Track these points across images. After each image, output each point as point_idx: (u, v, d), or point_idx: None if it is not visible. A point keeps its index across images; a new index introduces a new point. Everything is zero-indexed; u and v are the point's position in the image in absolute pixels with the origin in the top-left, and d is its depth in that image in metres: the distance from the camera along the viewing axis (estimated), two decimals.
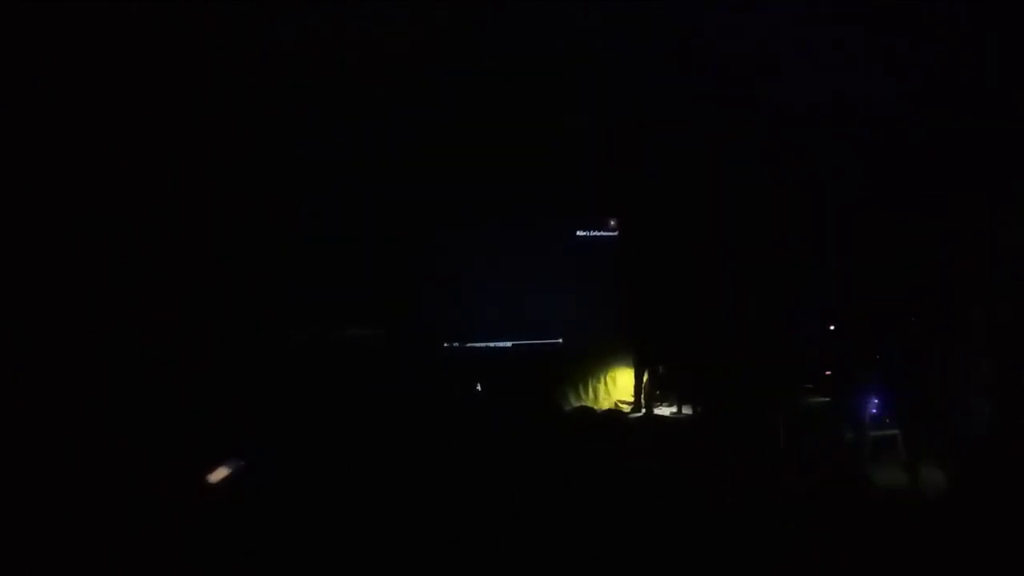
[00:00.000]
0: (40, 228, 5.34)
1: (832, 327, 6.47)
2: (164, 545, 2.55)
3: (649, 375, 8.46)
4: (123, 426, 4.23)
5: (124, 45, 5.04)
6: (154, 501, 2.83)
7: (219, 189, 6.60)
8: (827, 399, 6.22)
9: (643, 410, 8.34)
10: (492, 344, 8.29)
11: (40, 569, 2.55)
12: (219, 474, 3.00)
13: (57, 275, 5.37)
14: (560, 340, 8.59)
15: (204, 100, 6.16)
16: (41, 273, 5.28)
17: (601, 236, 8.95)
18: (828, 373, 6.29)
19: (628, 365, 8.76)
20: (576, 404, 7.99)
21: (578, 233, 8.86)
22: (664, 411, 8.36)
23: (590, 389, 8.63)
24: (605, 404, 8.41)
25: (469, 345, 8.18)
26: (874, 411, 6.07)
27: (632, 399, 8.63)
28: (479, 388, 5.59)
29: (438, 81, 7.59)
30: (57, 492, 3.04)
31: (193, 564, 2.48)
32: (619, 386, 8.83)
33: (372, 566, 2.36)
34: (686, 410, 8.09)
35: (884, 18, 4.95)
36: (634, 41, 6.19)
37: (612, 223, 8.99)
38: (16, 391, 4.45)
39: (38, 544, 2.62)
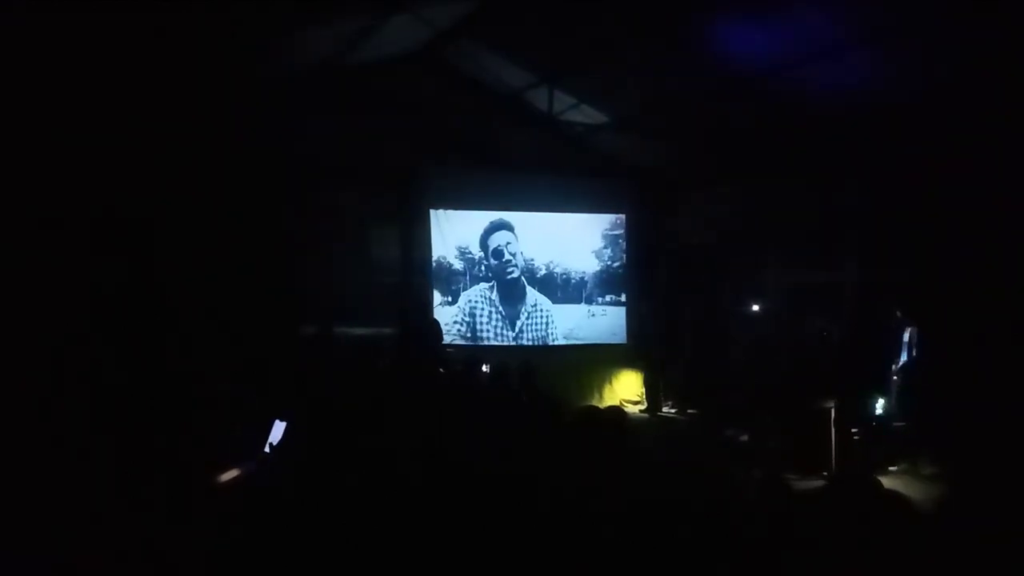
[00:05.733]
0: (48, 228, 5.37)
1: (839, 330, 6.46)
2: (174, 544, 2.57)
3: (656, 376, 8.48)
4: (133, 427, 4.25)
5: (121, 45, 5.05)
6: (164, 501, 2.85)
7: (222, 189, 6.62)
8: (833, 401, 6.22)
9: (651, 409, 8.36)
10: (496, 343, 8.28)
11: (51, 568, 2.57)
12: (229, 474, 3.03)
13: (66, 275, 5.39)
14: (566, 340, 8.62)
15: (201, 101, 6.18)
16: (49, 273, 5.30)
17: (607, 234, 8.93)
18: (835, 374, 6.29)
19: (632, 366, 8.79)
20: (581, 403, 8.00)
21: (584, 231, 8.82)
22: (670, 412, 8.39)
23: (594, 388, 8.65)
24: (609, 404, 8.42)
25: (472, 343, 8.20)
26: (879, 411, 6.06)
27: (636, 399, 8.67)
28: (485, 371, 5.57)
29: (445, 73, 7.62)
30: (68, 491, 3.06)
31: (202, 563, 2.49)
32: (624, 386, 8.85)
33: (377, 563, 2.37)
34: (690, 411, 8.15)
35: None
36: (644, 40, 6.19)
37: (619, 221, 8.97)
38: (25, 390, 4.47)
39: (48, 543, 2.63)
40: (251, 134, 6.71)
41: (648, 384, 8.54)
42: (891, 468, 5.75)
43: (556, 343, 8.45)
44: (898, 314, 6.03)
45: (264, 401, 4.26)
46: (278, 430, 3.36)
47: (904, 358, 6.04)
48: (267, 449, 3.29)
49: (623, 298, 8.84)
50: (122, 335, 5.55)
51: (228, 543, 2.44)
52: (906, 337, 6.01)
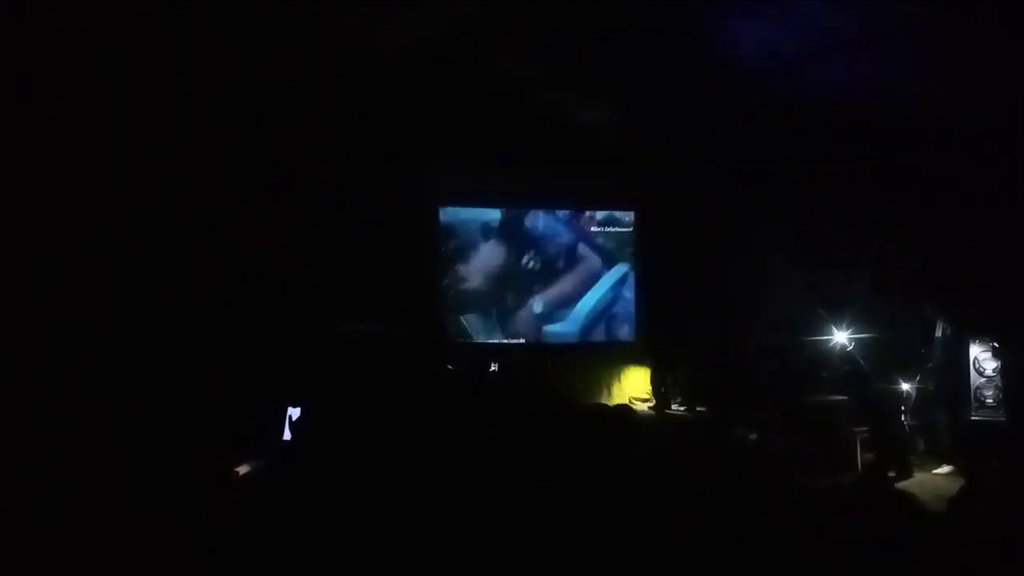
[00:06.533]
0: (52, 224, 5.40)
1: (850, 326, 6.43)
2: (184, 540, 2.59)
3: (664, 373, 8.47)
4: (142, 422, 4.28)
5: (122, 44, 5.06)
6: (176, 496, 2.87)
7: (223, 184, 6.64)
8: (844, 397, 6.21)
9: (660, 407, 8.36)
10: (505, 341, 8.29)
11: (59, 565, 2.59)
12: (242, 469, 3.06)
13: (69, 272, 5.43)
14: (574, 337, 8.59)
15: (204, 99, 6.19)
16: (52, 270, 5.34)
17: (616, 232, 8.91)
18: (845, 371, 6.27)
19: (641, 363, 8.78)
20: (589, 400, 8.01)
21: (593, 229, 8.83)
22: (679, 409, 8.38)
23: (602, 386, 8.65)
24: (617, 401, 8.43)
25: (480, 342, 8.19)
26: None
27: (645, 396, 8.66)
28: (494, 369, 5.60)
29: (453, 71, 7.61)
30: (76, 488, 3.08)
31: (212, 559, 2.51)
32: (632, 383, 8.84)
33: (385, 561, 2.39)
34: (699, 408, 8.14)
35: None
36: (653, 33, 6.17)
37: (628, 219, 8.94)
38: (28, 386, 4.50)
39: (56, 541, 2.65)
40: (256, 132, 6.73)
41: (656, 382, 8.54)
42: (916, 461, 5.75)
43: (565, 343, 8.45)
44: (928, 311, 5.99)
45: (272, 397, 4.29)
46: (288, 425, 3.38)
47: (937, 356, 5.96)
48: (287, 437, 3.30)
49: (633, 297, 8.84)
50: (128, 330, 5.58)
51: (245, 539, 2.46)
52: (939, 332, 5.95)
